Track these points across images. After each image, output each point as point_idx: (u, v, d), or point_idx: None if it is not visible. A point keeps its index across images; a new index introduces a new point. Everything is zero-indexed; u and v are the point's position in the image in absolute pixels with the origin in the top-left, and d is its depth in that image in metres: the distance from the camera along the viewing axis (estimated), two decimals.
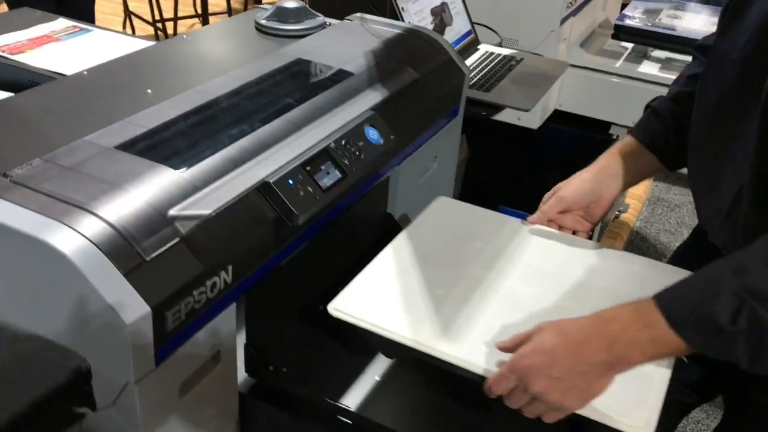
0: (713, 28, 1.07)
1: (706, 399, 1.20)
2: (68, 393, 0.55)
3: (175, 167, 0.91)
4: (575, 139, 2.24)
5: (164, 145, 0.97)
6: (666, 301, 0.81)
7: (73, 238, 0.78)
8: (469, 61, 1.82)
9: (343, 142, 1.07)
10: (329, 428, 0.99)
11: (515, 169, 2.35)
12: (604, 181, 1.12)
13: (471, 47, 1.89)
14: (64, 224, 0.79)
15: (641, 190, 3.08)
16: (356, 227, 1.26)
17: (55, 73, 1.27)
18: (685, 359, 1.05)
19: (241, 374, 1.03)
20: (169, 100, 1.08)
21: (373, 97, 1.19)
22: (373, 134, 1.13)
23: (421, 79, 1.31)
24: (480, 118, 1.67)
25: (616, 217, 2.83)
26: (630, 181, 1.13)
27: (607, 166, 1.13)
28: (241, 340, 1.01)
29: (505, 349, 0.87)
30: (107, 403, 0.85)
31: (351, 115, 1.13)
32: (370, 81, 1.23)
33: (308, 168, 1.00)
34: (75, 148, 0.93)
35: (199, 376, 0.92)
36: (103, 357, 0.81)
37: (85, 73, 1.21)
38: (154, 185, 0.88)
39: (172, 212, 0.86)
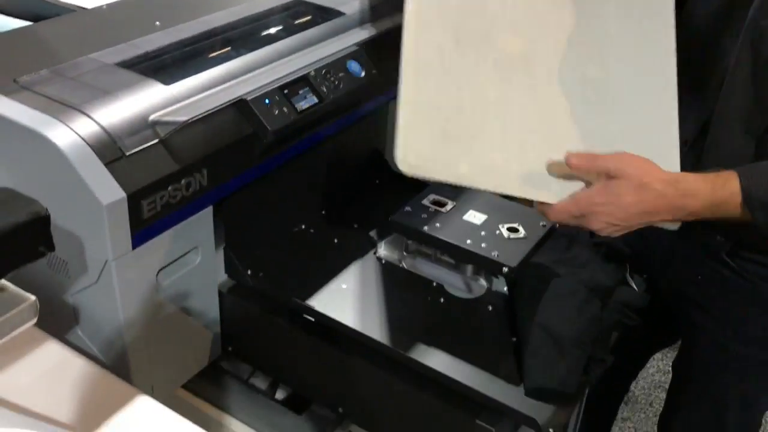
0: None
1: (649, 324, 1.27)
2: (28, 231, 0.67)
3: (164, 82, 1.03)
4: None
5: (158, 65, 1.09)
6: (747, 179, 0.88)
7: (64, 133, 0.90)
8: None
9: (323, 72, 1.17)
10: (295, 324, 1.11)
11: None
12: None
13: None
14: (59, 121, 0.91)
15: None
16: (344, 157, 1.36)
17: (78, 6, 1.40)
18: (633, 285, 1.13)
19: (222, 275, 1.16)
20: (171, 28, 1.20)
21: (360, 35, 1.29)
22: (354, 67, 1.22)
23: None
24: None
25: None
26: None
27: None
28: (223, 243, 1.13)
29: (576, 166, 0.90)
30: (92, 282, 0.98)
31: (335, 49, 1.22)
32: (361, 21, 1.32)
33: (286, 91, 1.11)
34: (79, 63, 1.06)
35: (177, 267, 1.05)
36: (87, 237, 0.94)
37: (104, 7, 1.33)
38: (142, 95, 1.00)
39: (154, 117, 0.97)
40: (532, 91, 0.97)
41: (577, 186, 0.92)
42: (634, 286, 1.15)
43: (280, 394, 1.24)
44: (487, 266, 1.07)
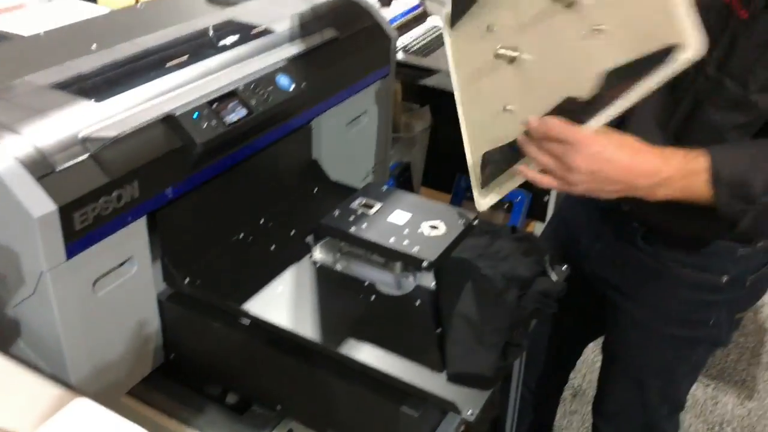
0: None
1: (579, 315, 1.35)
2: None
3: (96, 100, 1.08)
4: None
5: (91, 85, 1.14)
6: (718, 158, 0.93)
7: None
8: (414, 31, 1.96)
9: (252, 86, 1.23)
10: (232, 328, 1.16)
11: None
12: None
13: (419, 19, 2.03)
14: None
15: None
16: (280, 167, 1.41)
17: (15, 34, 1.45)
18: (553, 276, 1.20)
19: (162, 283, 1.20)
20: (106, 50, 1.26)
21: (290, 50, 1.35)
22: (284, 81, 1.28)
23: (341, 38, 1.46)
24: (415, 79, 1.81)
25: None
26: None
27: None
28: (159, 253, 1.18)
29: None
30: (29, 293, 1.02)
31: (265, 64, 1.29)
32: (291, 37, 1.39)
33: (214, 105, 1.16)
34: (13, 86, 1.11)
35: (114, 277, 1.09)
36: (22, 250, 0.98)
37: (42, 33, 1.38)
38: (73, 113, 1.05)
39: (84, 134, 1.02)
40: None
41: None
42: (553, 277, 1.22)
43: (231, 398, 1.28)
44: (408, 261, 1.13)
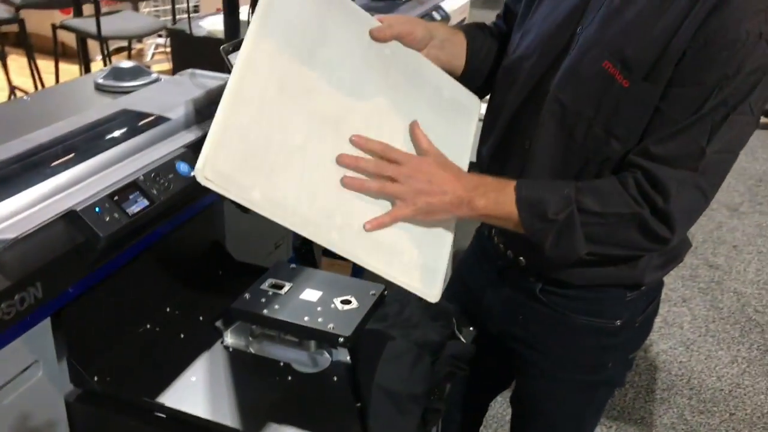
0: None
1: (485, 371, 1.40)
2: None
3: None
4: None
5: None
6: (522, 182, 1.07)
7: None
8: None
9: (152, 175, 1.23)
10: (147, 423, 1.13)
11: None
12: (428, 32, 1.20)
13: None
14: None
15: None
16: (184, 252, 1.41)
17: None
18: (461, 338, 1.25)
19: (69, 384, 1.16)
20: None
21: (186, 137, 1.36)
22: (183, 168, 1.29)
23: None
24: None
25: None
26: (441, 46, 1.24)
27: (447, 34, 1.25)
28: (64, 353, 1.14)
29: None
30: None
31: (164, 152, 1.29)
32: (186, 124, 1.40)
33: (116, 198, 1.15)
34: None
35: (18, 384, 1.05)
36: None
37: None
38: None
39: None
40: (336, 150, 1.05)
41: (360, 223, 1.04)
42: (462, 339, 1.27)
43: None
44: (325, 339, 1.15)
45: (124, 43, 4.69)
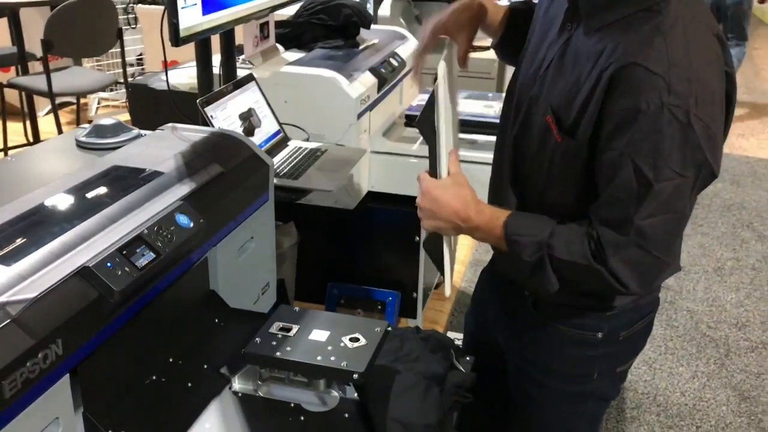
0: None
1: (481, 398, 1.46)
2: None
3: (5, 264, 1.07)
4: (388, 214, 2.53)
5: None
6: (511, 222, 1.21)
7: None
8: (280, 156, 2.07)
9: (155, 228, 1.26)
10: None
11: (342, 247, 2.60)
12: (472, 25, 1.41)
13: (281, 144, 2.15)
14: None
15: (463, 255, 3.43)
16: (182, 303, 1.43)
17: None
18: (461, 368, 1.31)
19: None
20: None
21: (182, 189, 1.40)
22: (183, 219, 1.32)
23: (227, 172, 1.53)
24: (291, 202, 1.91)
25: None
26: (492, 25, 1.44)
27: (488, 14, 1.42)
28: (81, 409, 1.15)
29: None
30: None
31: (162, 206, 1.33)
32: (179, 177, 1.44)
33: (124, 252, 1.18)
34: None
35: None
36: None
37: None
38: None
39: (2, 299, 1.01)
40: None
41: None
42: (462, 368, 1.33)
43: None
44: (339, 377, 1.19)
45: (67, 99, 4.65)
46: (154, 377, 1.31)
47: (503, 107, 1.36)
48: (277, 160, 2.05)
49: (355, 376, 1.16)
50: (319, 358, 1.19)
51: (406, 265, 2.51)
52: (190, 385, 1.30)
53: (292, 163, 2.03)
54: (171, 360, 1.36)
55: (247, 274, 1.67)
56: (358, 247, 2.57)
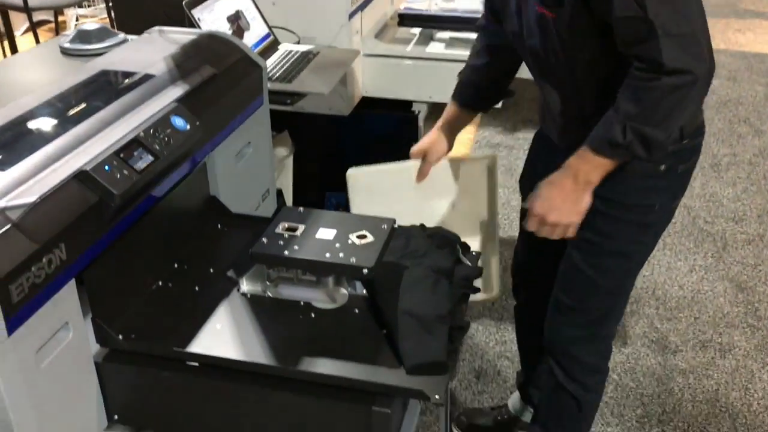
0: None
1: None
2: None
3: (2, 168, 1.04)
4: (384, 120, 2.49)
5: None
6: (590, 140, 1.23)
7: None
8: (271, 60, 2.01)
9: (152, 131, 1.22)
10: (181, 373, 1.14)
11: (338, 156, 2.56)
12: (444, 133, 1.62)
13: (272, 47, 2.08)
14: None
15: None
16: (184, 209, 1.41)
17: None
18: (467, 262, 1.30)
19: (96, 345, 1.16)
20: None
21: (175, 91, 1.35)
22: (179, 122, 1.29)
23: (219, 73, 1.48)
24: (286, 106, 1.86)
25: None
26: (459, 129, 1.65)
27: (445, 123, 1.62)
28: (89, 314, 1.14)
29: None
30: None
31: (156, 108, 1.28)
32: (172, 79, 1.39)
33: (122, 155, 1.15)
34: None
35: (53, 346, 1.05)
36: None
37: None
38: None
39: (2, 204, 0.98)
40: None
41: None
42: (468, 262, 1.33)
43: None
44: (349, 273, 1.18)
45: (44, 16, 4.50)
46: (160, 283, 1.30)
47: (511, 39, 1.41)
48: (269, 63, 1.99)
49: (365, 270, 1.15)
50: (328, 255, 1.18)
51: None
52: (197, 288, 1.29)
53: (285, 67, 1.97)
54: (176, 265, 1.35)
55: (247, 181, 1.64)
56: (354, 155, 2.53)
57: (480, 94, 1.61)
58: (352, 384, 1.08)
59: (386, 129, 2.53)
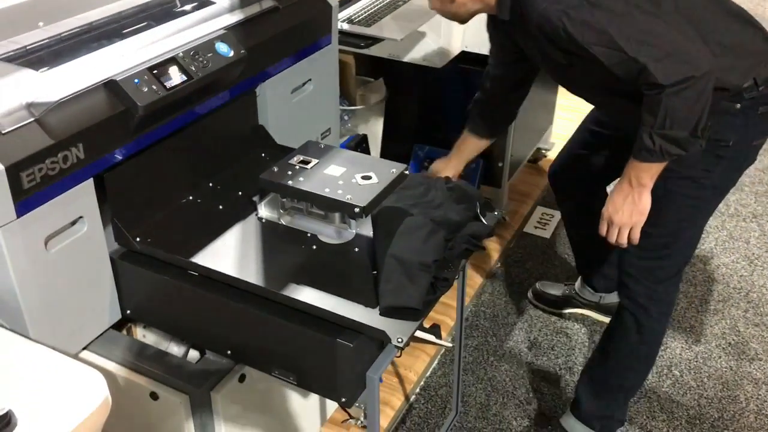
0: None
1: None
2: None
3: (39, 70, 1.15)
4: (479, 77, 2.44)
5: (35, 56, 1.21)
6: (633, 150, 1.34)
7: None
8: (362, 2, 2.03)
9: (192, 53, 1.29)
10: (181, 280, 1.23)
11: (430, 108, 2.55)
12: (456, 160, 1.80)
13: None
14: None
15: None
16: (228, 132, 1.48)
17: None
18: (484, 220, 1.28)
19: (114, 243, 1.27)
20: (52, 25, 1.31)
21: (229, 20, 1.42)
22: (223, 48, 1.35)
23: (282, 8, 1.53)
24: (360, 48, 1.88)
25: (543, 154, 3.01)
26: (469, 157, 1.82)
27: (458, 150, 1.80)
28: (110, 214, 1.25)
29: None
30: None
31: (204, 32, 1.35)
32: (230, 8, 1.45)
33: (155, 71, 1.23)
34: None
35: (65, 236, 1.16)
36: None
37: None
38: (18, 82, 1.11)
39: (28, 99, 1.09)
40: None
41: None
42: (484, 221, 1.31)
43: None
44: (341, 209, 1.20)
45: None
46: (190, 197, 1.39)
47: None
48: (358, 6, 2.01)
49: (356, 209, 1.17)
50: (327, 190, 1.21)
51: None
52: (221, 207, 1.37)
53: (371, 11, 1.98)
54: (211, 185, 1.43)
55: (303, 117, 1.69)
56: (446, 109, 2.51)
57: (488, 118, 1.77)
58: (324, 315, 1.12)
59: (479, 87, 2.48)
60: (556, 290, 2.23)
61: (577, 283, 2.21)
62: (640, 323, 1.62)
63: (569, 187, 1.99)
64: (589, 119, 1.87)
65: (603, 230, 1.44)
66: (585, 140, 1.88)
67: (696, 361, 2.13)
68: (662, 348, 2.15)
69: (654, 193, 1.41)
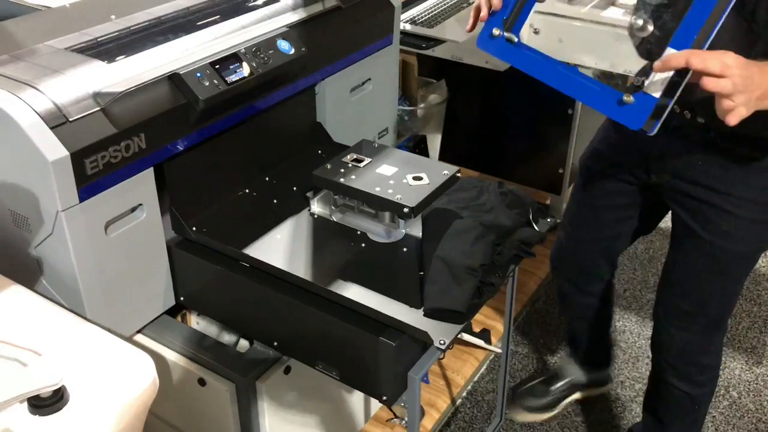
0: None
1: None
2: None
3: (107, 61, 1.19)
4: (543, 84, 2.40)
5: (104, 48, 1.25)
6: None
7: (16, 103, 1.07)
8: (427, 3, 2.03)
9: (254, 49, 1.32)
10: (233, 271, 1.26)
11: (491, 111, 2.54)
12: None
13: None
14: (11, 93, 1.08)
15: None
16: (286, 128, 1.51)
17: (44, 6, 1.57)
18: (536, 227, 1.27)
19: (171, 231, 1.31)
20: (122, 19, 1.36)
21: (292, 17, 1.44)
22: (284, 45, 1.37)
23: (345, 8, 1.54)
24: (421, 49, 1.88)
25: None
26: None
27: None
28: (168, 203, 1.29)
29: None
30: (48, 233, 1.14)
31: (267, 30, 1.38)
32: (294, 6, 1.48)
33: (217, 66, 1.26)
34: (36, 49, 1.23)
35: (124, 222, 1.20)
36: (40, 192, 1.10)
37: (68, 5, 1.50)
38: (87, 72, 1.16)
39: (95, 89, 1.13)
40: None
41: None
42: (536, 227, 1.29)
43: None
44: (390, 208, 1.21)
45: None
46: (247, 190, 1.42)
47: None
48: (424, 6, 2.01)
49: (406, 209, 1.17)
50: (377, 189, 1.22)
51: (557, 137, 2.41)
52: (275, 201, 1.39)
53: (434, 12, 1.98)
54: (267, 179, 1.46)
55: (361, 116, 1.70)
56: (507, 112, 2.49)
57: None
58: (369, 313, 1.12)
59: (545, 92, 2.44)
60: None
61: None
62: (693, 397, 1.58)
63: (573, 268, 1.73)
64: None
65: (697, 64, 1.03)
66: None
67: (756, 383, 2.05)
68: (721, 368, 2.09)
69: (704, 278, 1.37)
